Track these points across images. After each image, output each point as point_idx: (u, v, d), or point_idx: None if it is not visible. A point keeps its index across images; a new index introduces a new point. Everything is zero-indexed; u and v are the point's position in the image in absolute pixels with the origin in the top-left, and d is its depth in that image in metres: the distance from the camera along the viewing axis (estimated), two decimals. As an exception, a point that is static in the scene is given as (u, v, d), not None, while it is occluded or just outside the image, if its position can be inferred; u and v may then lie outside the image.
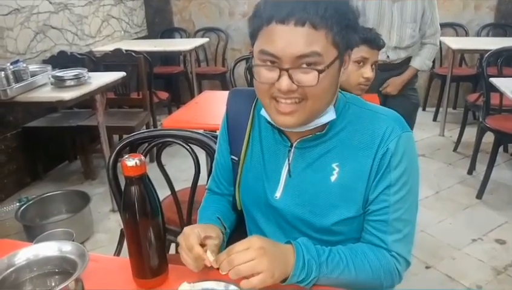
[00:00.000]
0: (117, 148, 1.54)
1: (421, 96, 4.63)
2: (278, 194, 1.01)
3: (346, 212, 0.96)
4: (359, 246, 0.97)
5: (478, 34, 4.44)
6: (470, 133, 3.57)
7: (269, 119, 0.95)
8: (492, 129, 2.86)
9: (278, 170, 1.01)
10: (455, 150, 3.68)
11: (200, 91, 4.31)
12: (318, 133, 0.95)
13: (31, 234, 2.44)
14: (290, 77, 0.84)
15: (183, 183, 1.71)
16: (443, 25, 4.43)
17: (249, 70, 0.93)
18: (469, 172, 3.25)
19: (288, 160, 0.99)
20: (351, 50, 0.91)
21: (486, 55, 3.01)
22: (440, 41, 4.19)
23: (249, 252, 0.81)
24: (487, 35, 4.44)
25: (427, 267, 2.28)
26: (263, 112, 0.97)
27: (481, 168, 3.04)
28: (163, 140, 1.54)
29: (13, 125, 3.17)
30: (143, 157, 0.89)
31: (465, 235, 2.54)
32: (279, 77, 0.84)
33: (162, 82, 4.64)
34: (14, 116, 3.18)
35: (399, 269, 0.95)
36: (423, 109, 4.63)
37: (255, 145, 1.05)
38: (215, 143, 1.51)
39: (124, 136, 3.35)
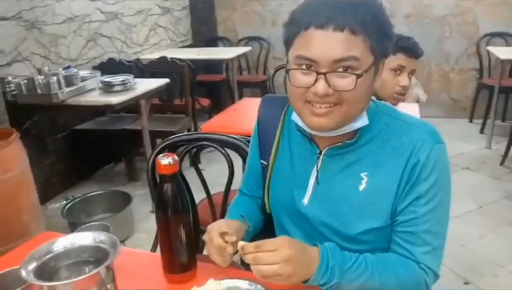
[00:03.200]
0: (157, 150, 1.60)
1: (468, 108, 4.52)
2: (305, 201, 1.02)
3: (373, 222, 0.95)
4: (388, 256, 0.95)
5: (529, 44, 4.26)
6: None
7: (301, 123, 0.96)
8: (541, 143, 2.74)
9: (307, 176, 1.02)
10: (502, 163, 3.53)
11: (241, 98, 4.38)
12: (348, 141, 0.95)
13: (76, 230, 2.57)
14: (326, 81, 0.84)
15: (221, 187, 1.75)
16: (492, 34, 4.32)
17: (286, 73, 0.94)
18: (518, 187, 3.11)
19: (317, 167, 1.00)
20: (386, 58, 0.92)
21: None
22: (488, 51, 4.10)
23: (274, 256, 0.82)
24: (540, 44, 4.25)
25: (466, 283, 2.20)
26: (294, 117, 0.98)
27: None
28: (199, 143, 1.59)
29: (63, 128, 3.35)
30: (176, 157, 0.94)
31: (508, 252, 2.44)
32: (316, 80, 0.85)
33: (205, 89, 4.75)
34: (64, 118, 3.36)
35: (428, 281, 0.93)
36: (470, 121, 4.48)
37: (284, 150, 1.07)
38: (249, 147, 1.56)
39: (166, 140, 3.52)
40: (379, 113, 0.98)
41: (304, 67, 0.86)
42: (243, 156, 1.56)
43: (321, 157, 0.99)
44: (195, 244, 1.02)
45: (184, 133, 1.68)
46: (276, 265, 0.82)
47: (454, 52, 4.56)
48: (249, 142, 1.54)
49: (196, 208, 1.69)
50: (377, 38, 0.85)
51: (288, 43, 0.91)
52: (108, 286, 0.73)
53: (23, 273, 0.68)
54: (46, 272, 0.71)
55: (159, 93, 3.44)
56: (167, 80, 3.07)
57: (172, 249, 0.97)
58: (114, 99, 2.55)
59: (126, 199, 2.82)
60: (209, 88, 4.88)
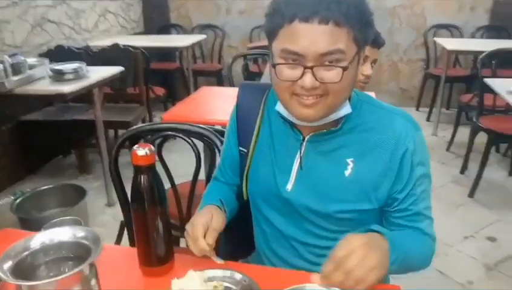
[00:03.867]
0: (119, 141, 1.55)
1: (415, 97, 4.72)
2: (289, 186, 1.03)
3: (358, 205, 0.99)
4: (406, 231, 1.01)
5: (473, 36, 4.50)
6: (463, 133, 3.62)
7: (286, 114, 0.98)
8: (485, 129, 2.91)
9: (290, 162, 1.03)
10: (448, 149, 3.73)
11: (196, 88, 4.31)
12: (332, 128, 0.98)
13: (27, 226, 2.44)
14: (313, 74, 0.85)
15: (179, 179, 1.73)
16: (438, 26, 4.52)
17: (272, 67, 0.93)
18: (462, 171, 3.30)
19: (300, 153, 1.01)
20: (366, 46, 0.93)
21: (481, 56, 3.05)
22: (435, 42, 4.29)
23: (357, 253, 0.80)
24: (482, 37, 4.49)
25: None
26: (279, 108, 0.99)
27: (473, 167, 3.08)
28: (165, 133, 1.55)
29: (8, 119, 3.16)
30: (152, 147, 0.91)
31: (457, 232, 2.59)
32: (303, 74, 0.86)
33: (158, 78, 4.64)
34: (10, 109, 3.17)
35: (434, 247, 1.04)
36: (417, 109, 4.68)
37: (265, 137, 1.07)
38: (217, 137, 1.54)
39: (121, 131, 3.40)
40: (360, 102, 1.01)
41: (290, 61, 0.87)
42: (209, 145, 1.55)
43: (304, 144, 1.01)
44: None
45: (148, 123, 1.63)
46: (365, 260, 0.80)
47: (403, 43, 4.73)
48: (217, 132, 1.54)
49: (177, 192, 1.65)
50: (360, 28, 0.86)
51: (271, 34, 0.90)
52: (92, 283, 0.70)
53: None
54: (23, 270, 0.66)
55: (111, 82, 3.32)
56: (121, 68, 2.96)
57: (149, 241, 0.94)
58: (66, 88, 2.42)
59: (80, 192, 2.71)
60: (162, 77, 4.77)
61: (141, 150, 0.89)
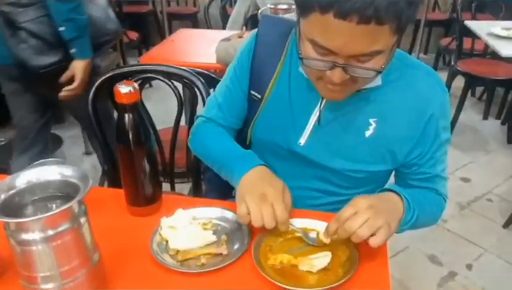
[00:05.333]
0: (97, 84, 1.49)
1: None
2: (302, 141, 0.97)
3: (374, 166, 0.97)
4: (421, 191, 0.99)
5: (452, -22, 4.44)
6: (442, 77, 3.65)
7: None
8: (463, 72, 2.94)
9: (306, 115, 0.96)
10: (425, 94, 3.77)
11: (170, 32, 4.16)
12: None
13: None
14: (345, 70, 0.76)
15: (158, 126, 1.68)
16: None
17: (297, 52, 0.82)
18: (439, 115, 3.35)
19: (320, 107, 0.94)
20: None
21: (461, -1, 3.03)
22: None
23: (361, 215, 0.79)
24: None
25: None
26: (301, 69, 0.91)
27: (451, 111, 3.14)
28: (144, 75, 1.50)
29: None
30: (136, 85, 0.87)
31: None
32: (333, 67, 0.77)
33: (130, 22, 4.44)
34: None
35: (444, 205, 1.04)
36: (395, 54, 4.67)
37: (283, 84, 0.98)
38: (198, 79, 1.49)
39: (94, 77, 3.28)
40: (393, 60, 0.88)
41: (320, 51, 0.76)
42: (190, 87, 1.51)
43: (324, 99, 0.93)
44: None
45: (126, 65, 1.57)
46: (368, 221, 0.78)
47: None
48: (199, 74, 1.49)
49: (159, 137, 1.60)
50: (407, 16, 0.70)
51: (300, 9, 0.76)
52: (82, 221, 0.68)
53: (-15, 212, 0.61)
54: (10, 209, 0.64)
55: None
56: (92, 10, 2.80)
57: (136, 181, 0.93)
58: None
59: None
60: (134, 21, 4.56)
61: (125, 88, 0.86)
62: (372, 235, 0.78)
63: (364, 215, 0.78)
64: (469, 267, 2.02)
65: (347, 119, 0.94)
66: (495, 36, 2.40)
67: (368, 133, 0.93)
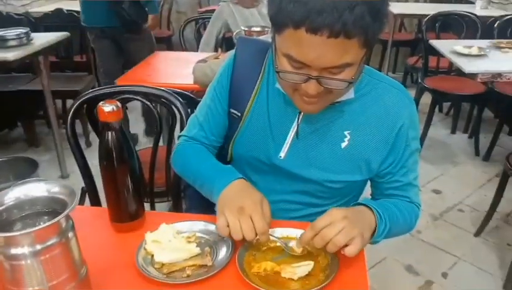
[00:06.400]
0: (75, 106, 1.50)
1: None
2: (282, 154, 1.01)
3: (350, 176, 1.01)
4: (393, 200, 1.03)
5: (417, 0, 4.65)
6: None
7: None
8: (430, 89, 3.06)
9: (285, 130, 1.00)
10: (395, 111, 3.89)
11: (126, 67, 4.18)
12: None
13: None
14: (318, 82, 0.81)
15: (137, 147, 1.71)
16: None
17: (274, 68, 0.87)
18: (409, 130, 3.46)
19: (298, 121, 0.98)
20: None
21: (425, 19, 3.19)
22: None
23: (337, 225, 0.81)
24: (425, 1, 4.66)
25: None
26: (278, 86, 0.96)
27: (419, 127, 3.24)
28: (123, 96, 1.52)
29: None
30: (119, 104, 0.90)
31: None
32: (307, 80, 0.81)
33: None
34: None
35: (418, 213, 1.07)
36: (366, 73, 4.82)
37: (261, 102, 1.02)
38: (177, 99, 1.52)
39: (69, 100, 3.27)
40: (362, 75, 0.95)
41: (294, 64, 0.81)
42: (169, 107, 1.54)
43: (301, 113, 0.98)
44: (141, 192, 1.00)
45: (104, 86, 1.59)
46: (344, 230, 0.81)
47: (351, 8, 4.80)
48: (178, 94, 1.52)
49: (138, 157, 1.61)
50: (374, 30, 0.76)
51: (275, 26, 0.81)
52: (69, 235, 0.70)
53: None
54: (-1, 225, 0.66)
55: (56, 50, 3.16)
56: (66, 33, 2.82)
57: (120, 198, 0.94)
58: (10, 55, 2.29)
59: (31, 165, 2.59)
60: (110, 45, 4.57)
61: (108, 106, 0.88)
62: (346, 245, 0.82)
63: (339, 225, 0.82)
64: (444, 275, 2.08)
65: (323, 132, 0.99)
66: (457, 54, 2.53)
67: (343, 145, 0.98)
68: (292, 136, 1.00)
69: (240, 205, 0.88)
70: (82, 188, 1.68)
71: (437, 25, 3.28)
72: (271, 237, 0.90)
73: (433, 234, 2.34)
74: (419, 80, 3.22)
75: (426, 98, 3.15)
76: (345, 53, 0.76)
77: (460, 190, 2.74)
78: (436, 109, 3.63)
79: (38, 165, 2.59)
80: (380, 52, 4.45)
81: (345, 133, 0.98)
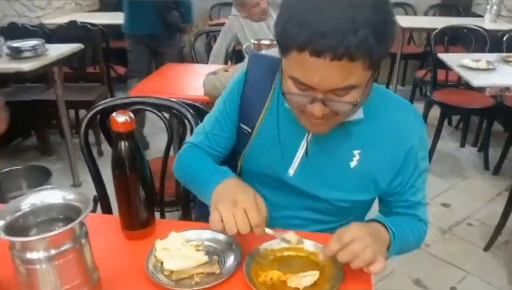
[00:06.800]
0: (89, 116, 1.54)
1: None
2: (291, 171, 1.01)
3: (359, 195, 1.02)
4: (404, 218, 1.04)
5: (426, 14, 4.68)
6: (418, 108, 3.76)
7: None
8: (438, 102, 3.07)
9: (294, 147, 1.01)
10: (404, 123, 3.89)
11: (157, 67, 4.25)
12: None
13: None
14: (323, 104, 0.82)
15: (148, 158, 1.73)
16: (393, 4, 4.65)
17: (281, 90, 0.88)
18: (418, 143, 3.46)
19: (307, 139, 0.99)
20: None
21: (434, 32, 3.20)
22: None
23: (363, 240, 0.82)
24: (434, 14, 4.68)
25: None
26: (287, 105, 0.95)
27: (428, 140, 3.24)
28: (135, 107, 1.56)
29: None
30: (132, 115, 0.93)
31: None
32: (313, 102, 0.82)
33: (118, 57, 4.53)
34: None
35: (426, 231, 1.09)
36: (375, 86, 4.83)
37: (271, 119, 1.03)
38: (187, 110, 1.56)
39: (82, 110, 3.33)
40: (372, 95, 0.94)
41: (300, 87, 0.82)
42: (180, 118, 1.57)
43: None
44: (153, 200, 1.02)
45: (117, 98, 1.62)
46: (370, 246, 0.81)
47: (360, 21, 4.84)
48: (188, 106, 1.55)
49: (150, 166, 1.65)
50: (379, 51, 0.76)
51: (281, 48, 0.82)
52: (83, 241, 0.72)
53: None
54: (16, 230, 0.68)
55: (70, 61, 3.23)
56: (80, 45, 2.89)
57: (131, 206, 0.97)
58: (26, 66, 2.35)
59: (44, 173, 2.64)
60: (122, 56, 4.64)
61: (121, 117, 0.91)
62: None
63: (365, 241, 0.82)
64: (453, 289, 2.07)
65: (332, 151, 0.99)
66: (465, 68, 2.55)
67: (352, 164, 0.98)
68: (301, 154, 1.00)
69: (233, 198, 0.87)
70: (94, 197, 1.70)
71: (445, 38, 3.30)
72: (266, 230, 0.89)
73: (441, 248, 2.34)
74: (428, 93, 3.23)
75: (435, 112, 3.16)
76: (350, 75, 0.76)
77: (469, 204, 2.73)
78: (445, 123, 3.64)
79: (51, 174, 2.64)
80: (389, 65, 4.47)
81: (355, 152, 0.98)
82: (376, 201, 1.10)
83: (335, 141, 0.98)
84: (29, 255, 0.68)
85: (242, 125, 1.08)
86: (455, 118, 3.85)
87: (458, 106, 2.99)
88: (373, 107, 0.97)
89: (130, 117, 0.92)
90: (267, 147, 1.04)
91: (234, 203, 0.87)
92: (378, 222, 0.95)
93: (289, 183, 1.03)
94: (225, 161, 1.15)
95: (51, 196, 0.75)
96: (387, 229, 0.93)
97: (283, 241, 0.92)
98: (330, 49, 0.72)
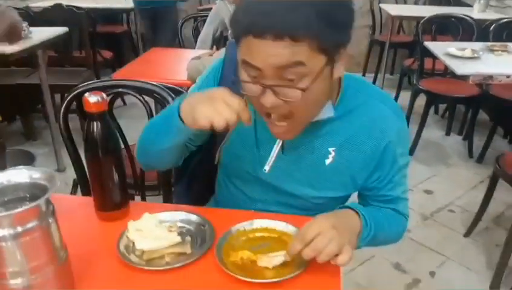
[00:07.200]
0: (68, 99, 1.53)
1: (362, 62, 4.87)
2: (267, 168, 0.98)
3: (334, 192, 1.02)
4: (380, 209, 1.04)
5: (416, 3, 4.68)
6: (405, 96, 3.80)
7: None
8: (424, 90, 3.09)
9: (270, 143, 0.99)
10: (391, 112, 3.91)
11: (144, 51, 4.22)
12: (316, 120, 0.94)
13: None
14: (274, 93, 0.80)
15: (131, 142, 1.73)
16: (383, -8, 4.65)
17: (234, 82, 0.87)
18: (403, 131, 3.48)
19: None
20: (345, 47, 0.82)
21: (422, 21, 3.21)
22: (380, 9, 4.42)
23: (326, 235, 0.81)
24: (424, 3, 4.68)
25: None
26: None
27: (414, 128, 3.25)
28: (115, 90, 1.55)
29: None
30: (104, 95, 0.93)
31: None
32: (263, 92, 0.80)
33: (105, 41, 4.48)
34: None
35: (406, 225, 1.10)
36: (363, 74, 4.84)
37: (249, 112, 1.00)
38: (168, 94, 1.55)
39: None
40: (350, 89, 0.96)
41: (252, 73, 0.81)
42: (161, 102, 1.56)
43: None
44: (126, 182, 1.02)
45: (97, 80, 1.61)
46: (335, 239, 0.80)
47: (350, 9, 4.82)
48: (169, 89, 1.54)
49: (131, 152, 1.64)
50: (328, 34, 0.75)
51: (235, 40, 0.83)
52: (49, 220, 0.72)
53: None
54: (-19, 209, 0.68)
55: (55, 45, 3.19)
56: (66, 29, 2.86)
57: (104, 187, 0.97)
58: (8, 48, 2.32)
59: (28, 158, 2.64)
60: (109, 40, 4.60)
61: (93, 97, 0.91)
62: (336, 254, 0.81)
63: (328, 235, 0.81)
64: (432, 274, 2.10)
65: (308, 149, 0.99)
66: (451, 56, 2.56)
67: (328, 162, 0.98)
68: (276, 151, 0.98)
69: (208, 95, 0.83)
70: (74, 180, 1.71)
71: (433, 27, 3.31)
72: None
73: (422, 234, 2.37)
74: (414, 82, 3.24)
75: (422, 100, 3.17)
76: (294, 54, 0.75)
77: (452, 191, 2.76)
78: (432, 111, 3.67)
79: (35, 158, 2.63)
80: (378, 53, 4.48)
81: (330, 149, 0.98)
82: (355, 193, 1.09)
83: (310, 138, 0.98)
84: (-5, 233, 0.67)
85: None
86: (442, 107, 3.88)
87: (443, 94, 3.01)
88: (349, 103, 0.96)
89: (102, 97, 0.92)
90: (244, 143, 1.03)
91: (210, 98, 0.81)
92: (350, 208, 0.94)
93: (264, 180, 1.03)
94: (203, 152, 1.13)
95: (18, 175, 0.75)
96: (359, 215, 0.92)
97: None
98: (271, 28, 0.73)
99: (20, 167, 0.81)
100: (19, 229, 0.68)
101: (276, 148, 0.98)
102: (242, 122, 0.93)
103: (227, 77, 1.03)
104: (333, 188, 1.02)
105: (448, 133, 3.53)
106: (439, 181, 2.89)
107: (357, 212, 0.93)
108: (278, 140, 0.97)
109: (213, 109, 0.80)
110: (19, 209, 0.67)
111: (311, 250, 0.81)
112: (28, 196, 0.75)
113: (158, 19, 3.80)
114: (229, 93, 0.82)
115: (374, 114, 0.96)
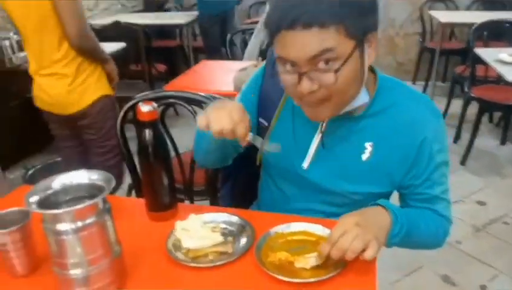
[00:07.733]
0: (124, 110, 1.66)
1: (412, 70, 4.78)
2: (305, 164, 1.04)
3: (371, 187, 1.04)
4: (418, 209, 1.04)
5: (468, 9, 4.55)
6: (457, 104, 3.70)
7: None
8: (476, 98, 3.00)
9: (308, 141, 1.03)
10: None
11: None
12: (354, 113, 0.99)
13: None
14: (309, 79, 0.86)
15: (182, 150, 1.83)
16: (434, 0, 4.56)
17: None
18: (455, 140, 3.39)
19: (321, 131, 1.02)
20: (374, 31, 0.88)
21: (473, 27, 3.12)
22: (431, 16, 4.34)
23: (350, 233, 0.83)
24: (477, 9, 4.54)
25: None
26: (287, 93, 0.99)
27: (466, 137, 3.17)
28: (166, 101, 1.65)
29: (16, 95, 3.24)
30: (155, 105, 1.01)
31: (448, 197, 2.70)
32: (299, 80, 0.86)
33: (159, 55, 4.71)
34: (17, 85, 3.24)
35: (449, 229, 1.08)
36: (413, 82, 4.74)
37: (288, 112, 1.07)
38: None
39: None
40: (384, 87, 1.00)
41: (287, 67, 0.88)
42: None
43: (324, 124, 1.01)
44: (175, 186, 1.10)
45: (149, 92, 1.73)
46: (359, 236, 0.83)
47: (399, 17, 4.77)
48: (215, 99, 1.62)
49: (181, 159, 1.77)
50: (353, 20, 0.82)
51: (271, 42, 0.90)
52: (105, 217, 0.81)
53: (27, 204, 0.75)
54: (47, 206, 0.77)
55: (114, 60, 3.39)
56: (123, 44, 3.05)
57: (154, 190, 1.06)
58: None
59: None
60: (163, 54, 4.81)
61: (146, 107, 1.00)
62: (363, 250, 0.83)
63: (353, 232, 0.84)
64: (483, 288, 2.03)
65: (345, 144, 1.02)
66: (502, 62, 2.48)
67: (364, 157, 1.01)
68: (314, 147, 1.03)
69: (221, 105, 0.92)
70: (129, 185, 1.83)
71: (485, 33, 3.21)
72: (250, 135, 0.92)
73: (473, 245, 2.30)
74: (466, 89, 3.15)
75: (475, 108, 3.08)
76: (324, 41, 0.82)
77: (507, 203, 2.66)
78: (486, 120, 3.54)
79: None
80: (428, 60, 4.39)
81: (366, 145, 1.00)
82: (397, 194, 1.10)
83: (347, 134, 1.01)
84: (58, 227, 0.77)
85: (261, 120, 1.13)
86: (496, 116, 3.73)
87: (496, 102, 2.91)
88: (385, 100, 1.00)
89: (153, 107, 1.00)
90: (283, 141, 1.06)
91: (221, 108, 0.91)
92: (380, 205, 0.95)
93: (303, 177, 1.07)
94: (246, 155, 1.18)
95: (79, 176, 0.84)
96: (388, 212, 0.93)
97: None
98: (299, 19, 0.81)
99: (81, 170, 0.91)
100: (79, 223, 0.77)
101: (314, 144, 1.03)
102: (280, 121, 1.02)
103: (267, 84, 1.10)
104: (370, 183, 1.03)
105: (503, 143, 3.39)
106: (493, 192, 2.78)
107: (386, 209, 0.94)
108: (316, 136, 1.02)
109: (216, 114, 0.89)
110: (79, 206, 0.76)
111: (337, 250, 0.84)
112: (87, 195, 0.84)
113: (227, 22, 4.15)
114: (239, 108, 0.91)
115: (410, 111, 0.99)
